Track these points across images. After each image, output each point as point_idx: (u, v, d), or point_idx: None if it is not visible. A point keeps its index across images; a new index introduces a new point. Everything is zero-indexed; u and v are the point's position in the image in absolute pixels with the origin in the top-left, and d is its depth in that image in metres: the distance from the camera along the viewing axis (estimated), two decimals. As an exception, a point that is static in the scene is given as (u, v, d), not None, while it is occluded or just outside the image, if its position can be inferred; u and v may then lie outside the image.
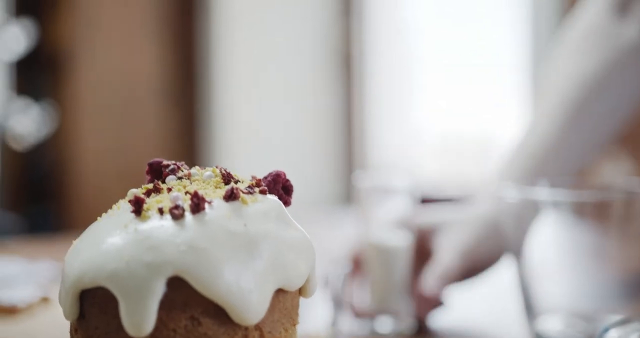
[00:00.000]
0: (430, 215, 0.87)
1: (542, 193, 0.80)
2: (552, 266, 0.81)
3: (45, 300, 0.86)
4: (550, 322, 0.78)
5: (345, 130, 3.26)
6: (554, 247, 0.82)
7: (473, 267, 0.83)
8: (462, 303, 0.96)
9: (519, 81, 2.60)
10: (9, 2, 3.21)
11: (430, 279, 0.80)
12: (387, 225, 0.80)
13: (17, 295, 0.86)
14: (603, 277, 0.81)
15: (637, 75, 0.91)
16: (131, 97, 3.33)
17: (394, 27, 3.14)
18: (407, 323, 0.80)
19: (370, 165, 3.16)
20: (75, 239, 0.49)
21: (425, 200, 2.90)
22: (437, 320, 0.85)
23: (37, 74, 3.40)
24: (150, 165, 0.51)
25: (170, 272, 0.43)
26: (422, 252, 0.84)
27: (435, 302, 0.81)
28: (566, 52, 0.93)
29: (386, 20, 3.16)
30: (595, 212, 0.79)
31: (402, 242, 0.79)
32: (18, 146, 3.22)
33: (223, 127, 3.22)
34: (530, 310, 0.79)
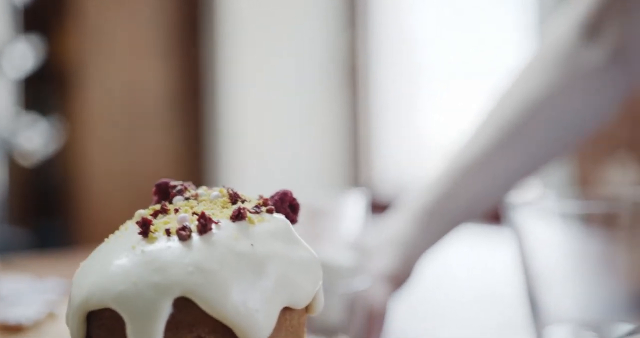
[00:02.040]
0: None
1: (549, 203, 0.80)
2: (560, 276, 0.81)
3: (51, 316, 0.86)
4: (558, 332, 0.78)
5: (352, 142, 3.27)
6: (562, 257, 0.82)
7: (401, 283, 0.82)
8: (468, 314, 0.96)
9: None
10: (16, 18, 3.23)
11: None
12: (336, 245, 0.80)
13: (23, 312, 0.86)
14: (611, 287, 0.81)
15: (589, 104, 0.89)
16: (138, 111, 3.34)
17: (400, 38, 3.14)
18: None
19: (376, 177, 3.16)
20: (82, 258, 0.49)
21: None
22: (436, 328, 0.85)
23: (44, 90, 3.42)
24: (158, 185, 0.51)
25: (177, 293, 0.44)
26: None
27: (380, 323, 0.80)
28: (522, 69, 0.91)
29: (391, 31, 3.16)
30: (602, 222, 0.79)
31: (347, 262, 0.79)
32: (25, 162, 3.23)
33: (230, 141, 3.23)
34: (537, 320, 0.79)
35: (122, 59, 3.36)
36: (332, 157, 3.29)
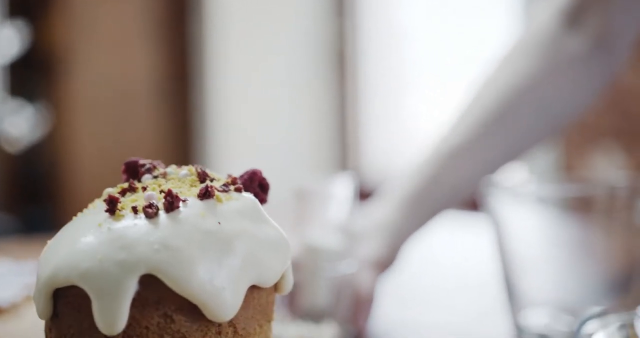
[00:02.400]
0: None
1: (526, 187, 0.80)
2: (536, 260, 0.81)
3: (29, 298, 0.86)
4: (534, 316, 0.78)
5: (339, 130, 3.27)
6: (538, 241, 0.82)
7: (387, 267, 0.83)
8: (445, 299, 0.96)
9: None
10: (2, 4, 3.21)
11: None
12: (324, 228, 0.80)
13: (0, 295, 0.86)
14: (587, 270, 0.81)
15: (572, 91, 0.89)
16: (125, 97, 3.33)
17: (387, 27, 3.14)
18: (344, 329, 0.77)
19: (364, 164, 3.16)
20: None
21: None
22: (420, 314, 0.85)
23: (30, 76, 3.40)
24: (127, 164, 0.51)
25: (143, 270, 0.44)
26: None
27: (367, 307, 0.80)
28: (504, 56, 0.91)
29: (379, 20, 3.16)
30: (579, 206, 0.79)
31: (334, 245, 0.79)
32: (12, 148, 3.22)
33: (217, 127, 3.22)
34: (514, 303, 0.79)
35: (109, 44, 3.35)
36: (319, 144, 3.29)
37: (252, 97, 3.24)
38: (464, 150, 0.87)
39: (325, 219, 0.80)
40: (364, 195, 1.03)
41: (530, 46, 0.89)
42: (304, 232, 0.79)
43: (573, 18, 0.88)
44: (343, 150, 3.26)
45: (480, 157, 0.88)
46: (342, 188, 0.81)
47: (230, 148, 3.20)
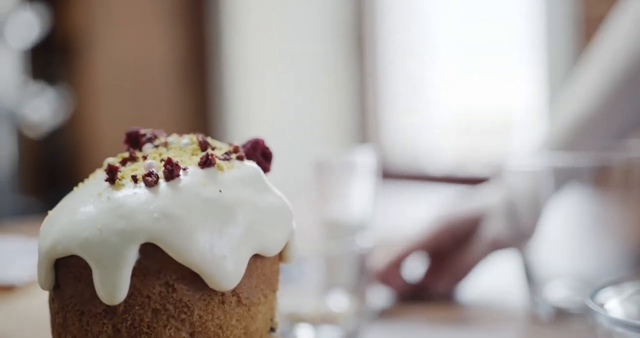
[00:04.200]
0: (474, 201, 0.86)
1: (543, 160, 0.79)
2: (554, 233, 0.80)
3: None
4: (552, 289, 0.77)
5: (359, 109, 3.25)
6: (555, 214, 0.81)
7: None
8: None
9: (533, 57, 2.57)
10: (22, -12, 3.22)
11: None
12: (346, 202, 0.79)
13: (15, 273, 0.86)
14: (604, 243, 0.80)
15: None
16: (145, 80, 3.33)
17: (407, 5, 3.11)
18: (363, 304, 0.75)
19: (384, 143, 3.15)
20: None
21: (445, 179, 2.88)
22: (441, 290, 0.85)
23: (51, 59, 3.41)
24: (128, 134, 0.50)
25: (143, 239, 0.43)
26: (463, 237, 0.83)
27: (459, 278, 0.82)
28: (622, 25, 0.88)
29: (398, 0, 3.13)
30: (595, 177, 0.78)
31: (356, 219, 0.77)
32: (33, 133, 3.24)
33: (236, 109, 3.22)
34: (531, 277, 0.78)
35: (128, 27, 3.35)
36: (339, 123, 3.27)
37: (270, 77, 3.23)
38: (594, 121, 0.85)
39: (348, 193, 0.79)
40: (384, 173, 1.02)
41: None
42: (325, 207, 0.78)
43: None
44: (363, 129, 3.25)
45: (614, 122, 0.85)
46: (365, 161, 0.80)
47: (250, 127, 3.19)
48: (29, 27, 3.07)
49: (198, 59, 3.27)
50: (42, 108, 3.15)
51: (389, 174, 2.85)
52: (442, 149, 2.96)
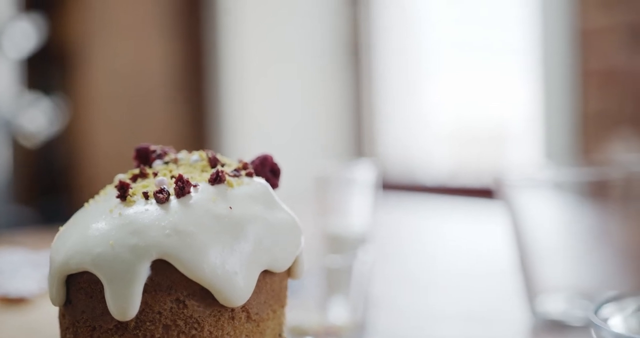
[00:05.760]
0: None
1: (543, 173, 0.80)
2: (553, 245, 0.80)
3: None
4: (551, 302, 0.78)
5: (355, 120, 3.26)
6: (555, 227, 0.81)
7: None
8: (462, 286, 0.96)
9: (528, 67, 2.59)
10: (18, -2, 3.22)
11: None
12: (346, 216, 0.79)
13: (25, 286, 0.87)
14: (604, 256, 0.80)
15: None
16: (141, 90, 3.34)
17: (402, 15, 3.13)
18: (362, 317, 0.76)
19: (380, 154, 3.16)
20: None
21: (441, 190, 2.87)
22: (438, 301, 0.85)
23: (47, 69, 3.41)
24: (138, 150, 0.51)
25: (154, 256, 0.43)
26: None
27: None
28: None
29: (394, 9, 3.14)
30: (595, 190, 0.79)
31: (356, 232, 0.78)
32: (29, 142, 3.23)
33: (233, 119, 3.22)
34: (531, 289, 0.79)
35: (124, 37, 3.36)
36: (335, 135, 3.28)
37: (267, 87, 3.24)
38: None
39: (348, 207, 0.80)
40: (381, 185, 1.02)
41: None
42: (325, 220, 0.79)
43: None
44: (359, 141, 3.25)
45: None
46: (365, 175, 0.80)
47: (245, 138, 3.20)
48: (25, 37, 3.08)
49: (194, 69, 3.28)
50: (38, 118, 3.14)
51: (384, 185, 2.86)
52: (438, 159, 2.97)
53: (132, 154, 0.51)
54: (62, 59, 3.43)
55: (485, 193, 2.47)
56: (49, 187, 3.44)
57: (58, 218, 3.16)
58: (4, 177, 3.07)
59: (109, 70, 3.37)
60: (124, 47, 3.35)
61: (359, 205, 0.80)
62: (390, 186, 2.87)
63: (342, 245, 0.78)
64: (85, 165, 3.35)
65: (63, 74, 3.45)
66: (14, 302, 0.85)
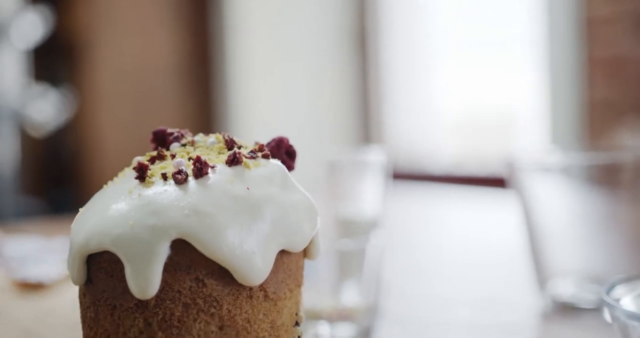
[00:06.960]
0: None
1: (553, 157, 0.80)
2: (563, 230, 0.81)
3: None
4: (562, 286, 0.78)
5: (363, 110, 3.26)
6: (565, 211, 0.82)
7: None
8: (469, 273, 0.96)
9: (535, 57, 2.59)
10: (25, -10, 3.22)
11: None
12: (357, 201, 0.79)
13: (44, 272, 0.88)
14: (613, 240, 0.81)
15: None
16: (147, 81, 3.34)
17: (409, 4, 3.12)
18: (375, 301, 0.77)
19: (387, 142, 3.16)
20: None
21: (447, 179, 2.89)
22: (448, 287, 0.85)
23: (54, 60, 3.42)
24: (155, 133, 0.52)
25: (174, 235, 0.44)
26: None
27: None
28: None
29: (401, 2, 3.14)
30: (605, 175, 0.79)
31: (367, 217, 0.78)
32: (36, 133, 3.25)
33: (239, 110, 3.23)
34: (541, 274, 0.79)
35: (131, 28, 3.36)
36: (342, 124, 3.29)
37: (274, 79, 3.24)
38: None
39: (359, 191, 0.80)
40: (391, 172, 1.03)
41: None
42: (337, 205, 0.79)
43: None
44: (366, 130, 3.26)
45: None
46: (376, 160, 0.81)
47: (252, 128, 3.20)
48: (32, 28, 3.08)
49: (200, 60, 3.28)
50: (45, 108, 3.15)
51: (392, 174, 2.86)
52: (445, 148, 2.97)
53: (150, 136, 0.51)
54: (69, 51, 3.43)
55: (492, 181, 2.48)
56: (57, 177, 3.45)
57: (66, 209, 3.19)
58: (12, 167, 3.08)
59: (115, 62, 3.38)
60: (131, 39, 3.36)
61: (370, 190, 0.81)
62: (397, 175, 2.88)
63: (354, 230, 0.79)
64: (93, 156, 3.36)
65: (70, 66, 3.46)
66: (33, 287, 0.86)
